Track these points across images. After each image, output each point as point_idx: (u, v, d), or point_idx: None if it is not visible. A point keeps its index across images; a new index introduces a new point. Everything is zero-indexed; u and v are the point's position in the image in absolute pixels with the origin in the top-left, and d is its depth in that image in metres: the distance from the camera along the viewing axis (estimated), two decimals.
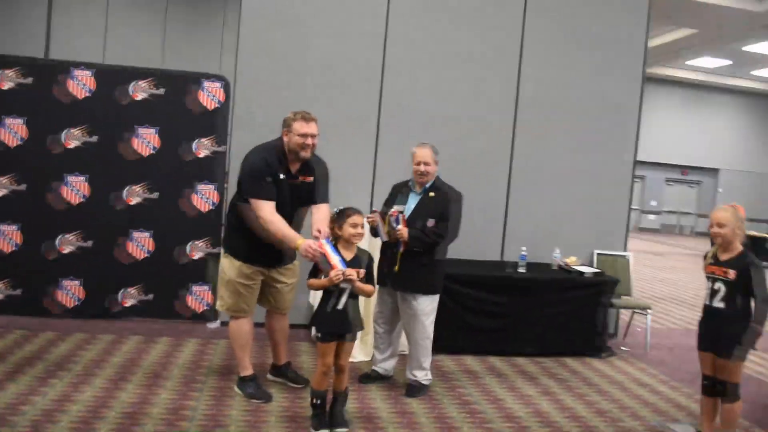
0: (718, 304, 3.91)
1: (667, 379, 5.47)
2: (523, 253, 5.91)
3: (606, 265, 6.50)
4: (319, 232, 4.03)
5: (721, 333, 3.89)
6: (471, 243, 6.23)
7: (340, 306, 3.78)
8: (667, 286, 11.29)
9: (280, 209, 4.14)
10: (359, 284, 3.78)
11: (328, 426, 3.82)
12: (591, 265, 6.44)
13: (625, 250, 6.74)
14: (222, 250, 4.45)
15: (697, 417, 4.48)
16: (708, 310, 3.99)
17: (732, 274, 3.85)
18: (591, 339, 5.94)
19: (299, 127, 4.14)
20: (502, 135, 6.41)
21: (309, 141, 4.17)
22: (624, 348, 6.42)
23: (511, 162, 6.43)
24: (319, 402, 3.85)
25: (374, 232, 4.54)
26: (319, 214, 4.26)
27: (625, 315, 7.13)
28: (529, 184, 6.46)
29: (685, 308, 9.10)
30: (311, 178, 4.32)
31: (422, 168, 4.52)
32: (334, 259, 3.76)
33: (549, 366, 5.57)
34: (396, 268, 4.45)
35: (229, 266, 4.31)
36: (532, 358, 5.73)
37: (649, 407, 4.74)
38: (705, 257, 4.06)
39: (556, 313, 5.76)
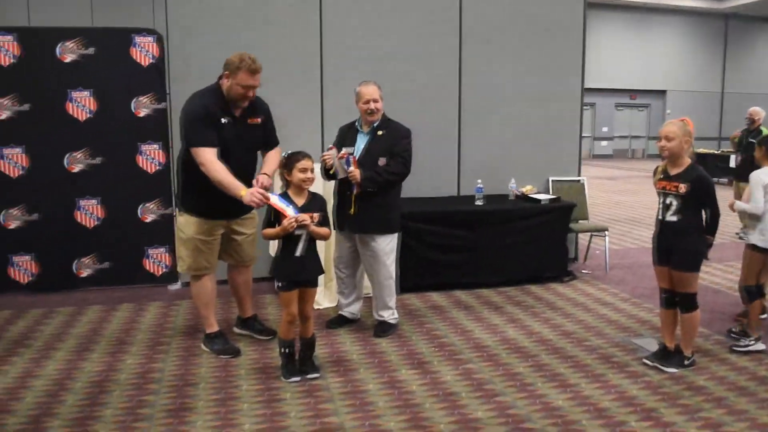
0: (671, 217, 3.95)
1: (628, 297, 5.61)
2: (479, 185, 5.91)
3: (562, 192, 6.56)
4: (257, 181, 3.98)
5: (675, 246, 3.96)
6: (427, 180, 6.22)
7: (297, 253, 3.73)
8: (623, 208, 11.53)
9: (230, 155, 4.01)
10: (314, 228, 3.72)
11: (299, 374, 3.81)
12: (547, 192, 6.49)
13: (579, 174, 6.80)
14: (177, 209, 4.31)
15: (658, 330, 4.61)
16: (661, 225, 4.04)
17: (683, 187, 3.88)
18: (552, 265, 6.03)
19: (243, 78, 3.94)
20: (448, 66, 6.31)
21: (250, 93, 4.02)
22: (585, 271, 6.55)
23: (460, 93, 6.36)
24: (287, 351, 3.83)
25: (330, 172, 4.43)
26: (268, 159, 4.21)
27: (583, 239, 7.26)
28: (479, 114, 6.42)
29: (641, 228, 9.32)
30: (259, 120, 4.19)
31: (371, 106, 4.41)
32: (285, 209, 3.69)
33: (513, 294, 5.66)
34: (351, 210, 4.40)
35: (185, 224, 4.17)
36: (496, 288, 5.80)
37: (613, 325, 4.86)
38: (655, 173, 4.09)
39: (517, 242, 5.82)
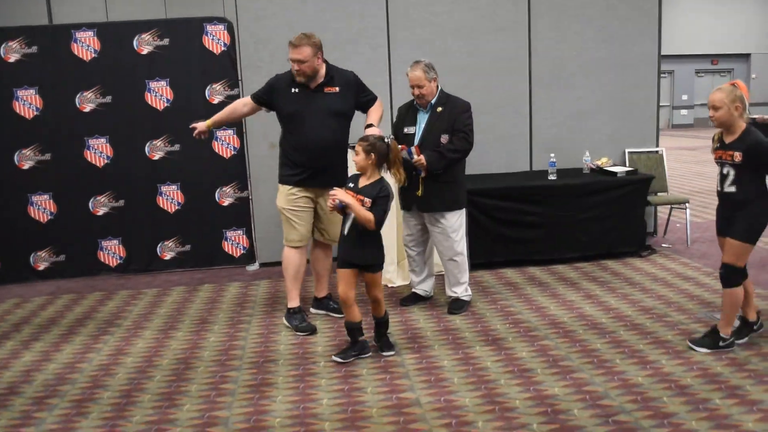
0: (729, 188, 3.67)
1: (711, 271, 5.40)
2: (552, 160, 5.80)
3: (639, 163, 6.35)
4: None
5: (735, 217, 3.67)
6: (499, 155, 6.16)
7: (345, 231, 3.81)
8: (704, 179, 11.05)
9: (303, 119, 4.28)
10: (354, 206, 3.67)
11: (358, 353, 3.86)
12: (624, 165, 6.30)
13: (657, 145, 6.56)
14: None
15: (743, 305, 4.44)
16: (720, 197, 3.78)
17: (738, 156, 3.57)
18: (630, 239, 5.86)
19: (290, 53, 4.23)
20: (517, 38, 6.18)
21: (296, 67, 4.21)
22: (665, 245, 6.34)
23: (530, 65, 6.22)
24: (353, 330, 3.89)
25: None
26: (370, 113, 4.47)
27: (663, 212, 7.02)
28: (551, 87, 6.26)
29: None
30: (336, 89, 4.36)
31: (416, 92, 4.40)
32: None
33: (589, 270, 5.54)
34: (419, 192, 4.40)
35: (279, 196, 4.45)
36: (571, 264, 5.70)
37: (695, 300, 4.70)
38: (713, 141, 3.82)
39: (592, 217, 5.68)
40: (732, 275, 3.71)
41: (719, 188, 3.78)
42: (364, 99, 4.51)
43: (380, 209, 3.75)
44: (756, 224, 3.65)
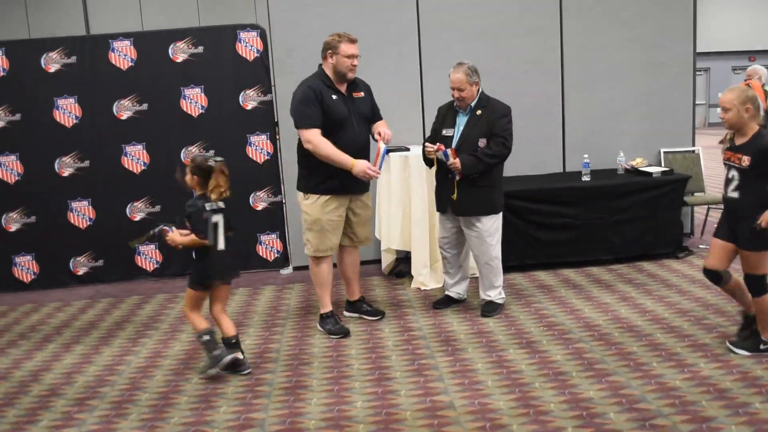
0: (732, 193, 3.54)
1: None
2: (586, 160, 5.74)
3: (675, 163, 6.25)
4: (380, 134, 4.28)
5: (738, 224, 3.54)
6: (531, 157, 6.11)
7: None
8: None
9: (345, 126, 4.25)
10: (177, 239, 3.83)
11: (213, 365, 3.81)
12: (659, 165, 6.20)
13: (693, 145, 6.45)
14: (300, 194, 4.46)
15: None
16: (725, 201, 3.65)
17: (746, 160, 3.42)
18: (667, 240, 5.77)
19: (346, 48, 4.20)
20: (549, 39, 6.13)
21: (355, 62, 4.25)
22: (702, 246, 6.22)
23: (563, 66, 6.17)
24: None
25: (430, 162, 4.51)
26: (378, 125, 4.44)
27: (700, 213, 6.89)
28: (583, 87, 6.19)
29: None
30: (362, 94, 4.42)
31: (457, 94, 4.39)
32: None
33: (625, 272, 5.47)
34: (454, 196, 4.40)
35: (311, 206, 4.35)
36: (606, 266, 5.63)
37: (734, 302, 4.57)
38: (723, 140, 3.65)
39: (628, 218, 5.60)
40: (756, 284, 3.56)
41: (723, 192, 3.66)
42: (377, 111, 4.56)
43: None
44: (763, 231, 3.44)
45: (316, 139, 4.15)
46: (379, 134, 4.32)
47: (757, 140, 3.45)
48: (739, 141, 3.55)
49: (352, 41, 4.23)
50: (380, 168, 4.28)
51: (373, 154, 4.35)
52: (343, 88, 4.32)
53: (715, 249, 3.70)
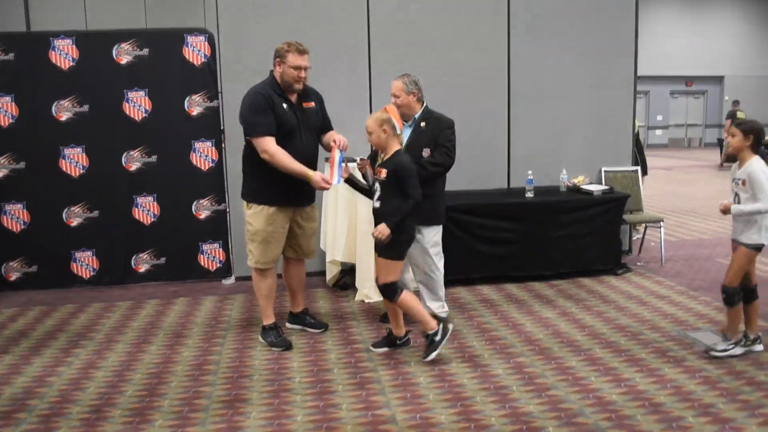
0: (376, 203, 4.02)
1: (685, 290, 5.47)
2: (530, 177, 5.85)
3: (615, 182, 6.44)
4: (335, 142, 4.22)
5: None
6: (477, 172, 6.19)
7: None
8: (679, 199, 11.22)
9: (295, 136, 4.19)
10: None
11: None
12: (600, 183, 6.37)
13: (632, 164, 6.65)
14: (244, 204, 4.36)
15: (716, 323, 4.50)
16: (372, 210, 4.08)
17: (384, 173, 3.92)
18: (605, 257, 5.92)
19: (293, 59, 4.13)
20: (496, 55, 6.25)
21: (302, 74, 4.17)
22: (639, 263, 6.41)
23: (509, 83, 6.29)
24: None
25: (364, 178, 4.49)
26: (328, 136, 4.40)
27: (638, 230, 7.10)
28: (529, 105, 6.34)
29: (698, 219, 9.06)
30: (312, 104, 4.36)
31: (393, 100, 4.43)
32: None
33: (565, 288, 5.58)
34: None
35: (255, 216, 4.25)
36: (547, 281, 5.74)
37: (669, 318, 4.74)
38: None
39: (569, 235, 5.73)
40: (386, 291, 4.06)
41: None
42: (327, 121, 4.51)
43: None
44: (392, 240, 3.92)
45: (272, 148, 4.06)
46: (335, 141, 4.24)
47: (395, 157, 3.93)
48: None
49: (301, 52, 4.15)
50: (339, 176, 4.16)
51: (328, 163, 4.28)
52: (293, 98, 4.25)
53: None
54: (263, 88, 4.18)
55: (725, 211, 3.89)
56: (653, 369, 3.83)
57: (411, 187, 3.88)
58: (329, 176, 4.13)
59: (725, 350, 3.98)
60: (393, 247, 3.94)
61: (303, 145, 4.23)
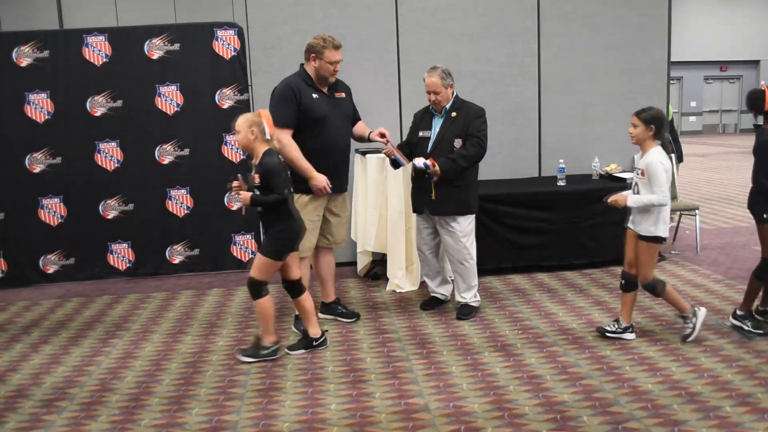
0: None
1: (721, 278, 5.38)
2: (561, 165, 5.79)
3: None
4: (383, 135, 4.39)
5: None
6: (507, 161, 6.16)
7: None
8: (714, 186, 11.01)
9: (327, 123, 4.27)
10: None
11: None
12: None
13: (667, 152, 6.52)
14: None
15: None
16: None
17: (257, 178, 3.81)
18: None
19: (330, 55, 4.21)
20: (526, 43, 6.18)
21: (338, 68, 4.28)
22: (674, 252, 6.31)
23: (540, 71, 6.22)
24: None
25: (394, 164, 4.52)
26: (359, 126, 4.56)
27: (672, 218, 6.99)
28: (560, 93, 6.26)
29: (734, 206, 8.87)
30: (343, 94, 4.45)
31: (432, 97, 4.43)
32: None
33: (598, 277, 5.52)
34: (433, 196, 4.41)
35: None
36: (580, 270, 5.68)
37: (705, 307, 4.65)
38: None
39: (602, 223, 5.65)
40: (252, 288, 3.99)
41: None
42: (356, 112, 4.61)
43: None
44: None
45: (285, 139, 4.14)
46: (382, 135, 4.42)
47: (263, 159, 3.81)
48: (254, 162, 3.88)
49: (337, 47, 4.24)
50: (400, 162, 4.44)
51: (387, 155, 4.48)
52: (324, 89, 4.33)
53: None
54: (292, 79, 4.28)
55: (616, 202, 3.90)
56: (689, 358, 3.77)
57: (277, 186, 3.77)
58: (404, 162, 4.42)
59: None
60: (271, 246, 3.87)
61: (337, 132, 4.33)
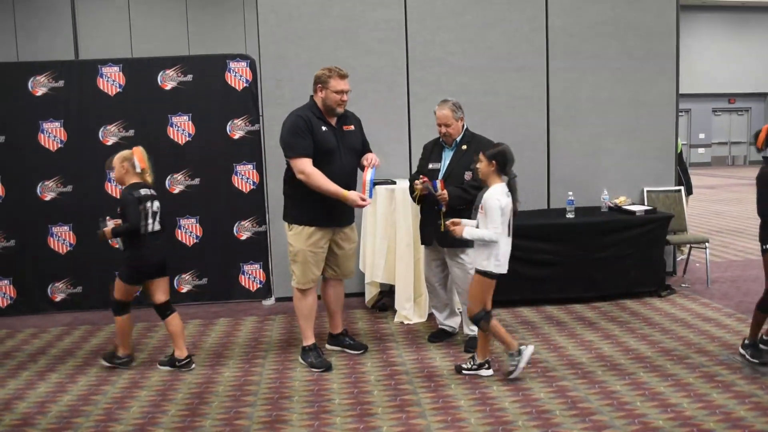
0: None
1: (733, 312, 5.32)
2: (570, 198, 5.78)
3: (658, 202, 6.32)
4: (366, 160, 4.30)
5: None
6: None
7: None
8: (724, 218, 10.96)
9: (335, 157, 4.25)
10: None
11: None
12: (642, 204, 6.26)
13: (676, 184, 6.53)
14: (286, 225, 4.45)
15: None
16: None
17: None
18: (649, 278, 5.80)
19: (335, 84, 4.21)
20: (535, 77, 6.23)
21: (345, 98, 4.26)
22: (684, 285, 6.26)
23: (548, 104, 6.26)
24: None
25: (417, 198, 4.52)
26: (366, 156, 4.44)
27: (682, 251, 6.95)
28: (569, 125, 6.29)
29: (745, 239, 8.82)
30: (352, 127, 4.42)
31: (443, 130, 4.47)
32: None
33: (608, 310, 5.48)
34: (442, 227, 4.40)
35: (295, 237, 4.34)
36: (589, 303, 5.64)
37: (717, 342, 4.61)
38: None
39: (611, 256, 5.63)
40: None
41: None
42: (366, 144, 4.55)
43: None
44: None
45: (308, 169, 4.14)
46: (366, 160, 4.32)
47: (123, 191, 4.32)
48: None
49: (342, 76, 4.25)
50: (370, 194, 4.25)
51: (361, 182, 4.33)
52: (333, 121, 4.33)
53: None
54: (303, 112, 4.28)
55: (454, 230, 3.96)
56: (701, 394, 3.72)
57: (129, 215, 4.19)
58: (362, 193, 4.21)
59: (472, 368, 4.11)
60: (123, 270, 4.37)
61: (342, 166, 4.29)
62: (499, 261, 3.97)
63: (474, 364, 4.11)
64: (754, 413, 3.45)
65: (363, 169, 4.35)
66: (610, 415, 3.49)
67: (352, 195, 4.14)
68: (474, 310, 4.01)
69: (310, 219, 4.29)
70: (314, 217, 4.29)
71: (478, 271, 4.01)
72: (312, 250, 4.31)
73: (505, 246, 3.98)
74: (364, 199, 4.16)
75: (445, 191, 4.32)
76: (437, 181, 4.35)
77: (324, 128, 4.25)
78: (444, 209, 4.37)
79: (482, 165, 3.97)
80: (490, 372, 4.09)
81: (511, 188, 3.98)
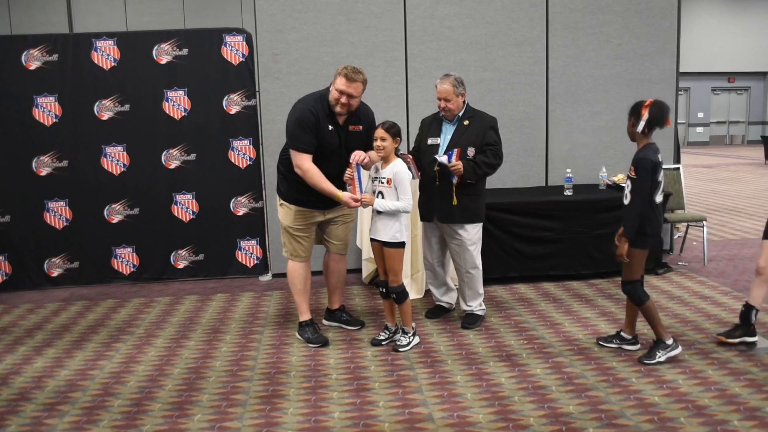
0: None
1: (729, 290, 5.33)
2: (568, 175, 5.76)
3: None
4: (353, 156, 4.14)
5: None
6: (514, 170, 6.13)
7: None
8: (721, 197, 10.96)
9: (331, 158, 4.19)
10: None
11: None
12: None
13: (674, 162, 6.51)
14: (277, 198, 4.46)
15: (762, 326, 4.37)
16: None
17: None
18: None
19: (339, 83, 4.08)
20: (534, 53, 6.17)
21: (344, 99, 4.09)
22: (681, 263, 6.27)
23: (548, 81, 6.21)
24: None
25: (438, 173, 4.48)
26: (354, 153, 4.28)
27: (679, 229, 6.95)
28: (568, 102, 6.25)
29: (742, 218, 8.83)
30: (360, 127, 4.30)
31: (443, 104, 4.40)
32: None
33: (605, 287, 5.49)
34: (455, 201, 4.38)
35: (284, 214, 4.38)
36: (586, 280, 5.65)
37: (713, 319, 4.63)
38: None
39: (609, 233, 5.58)
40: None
41: None
42: (370, 144, 4.31)
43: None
44: None
45: (306, 165, 4.10)
46: (352, 156, 4.10)
47: None
48: None
49: (350, 79, 4.05)
50: (361, 189, 4.12)
51: (349, 184, 4.21)
52: (342, 119, 4.21)
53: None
54: (314, 106, 4.14)
55: (363, 202, 4.01)
56: (697, 371, 3.73)
57: None
58: (353, 192, 4.12)
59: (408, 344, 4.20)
60: None
61: (342, 167, 4.19)
62: (408, 230, 4.20)
63: (391, 335, 4.30)
64: (749, 390, 3.46)
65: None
66: (605, 391, 3.50)
67: (344, 196, 4.09)
68: (398, 282, 4.15)
69: (298, 200, 4.29)
70: (302, 199, 4.28)
71: (391, 244, 4.09)
72: (297, 227, 4.34)
73: (407, 216, 4.18)
74: (357, 200, 4.06)
75: (459, 162, 4.28)
76: (453, 152, 4.31)
77: (330, 127, 4.16)
78: (455, 181, 4.35)
79: (387, 143, 4.01)
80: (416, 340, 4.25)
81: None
